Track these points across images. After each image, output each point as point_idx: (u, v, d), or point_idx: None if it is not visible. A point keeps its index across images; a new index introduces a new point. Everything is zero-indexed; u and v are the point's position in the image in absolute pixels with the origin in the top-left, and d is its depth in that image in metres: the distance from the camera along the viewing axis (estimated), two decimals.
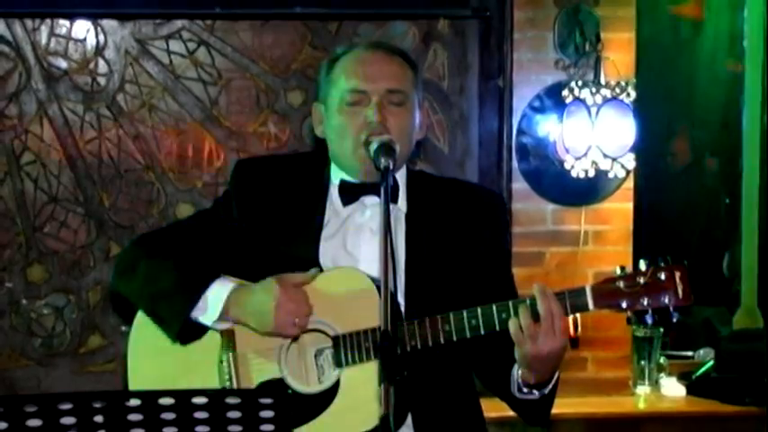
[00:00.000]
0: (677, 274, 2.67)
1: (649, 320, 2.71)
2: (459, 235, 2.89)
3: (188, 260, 2.88)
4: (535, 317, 2.62)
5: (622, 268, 2.70)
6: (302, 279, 2.78)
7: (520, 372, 2.73)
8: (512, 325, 2.63)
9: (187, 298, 2.80)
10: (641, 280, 2.67)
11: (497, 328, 2.69)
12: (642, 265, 2.68)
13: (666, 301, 2.66)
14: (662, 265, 2.67)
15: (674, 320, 2.68)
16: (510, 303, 2.69)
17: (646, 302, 2.67)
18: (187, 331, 2.83)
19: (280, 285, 2.75)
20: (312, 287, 2.80)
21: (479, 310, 2.70)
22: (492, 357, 2.84)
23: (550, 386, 2.76)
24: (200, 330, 2.83)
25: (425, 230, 2.88)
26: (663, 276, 2.66)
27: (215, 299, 2.79)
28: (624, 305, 2.68)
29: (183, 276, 2.84)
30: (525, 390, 2.76)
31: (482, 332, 2.70)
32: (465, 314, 2.70)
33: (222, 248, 2.94)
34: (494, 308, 2.69)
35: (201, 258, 2.90)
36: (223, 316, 2.80)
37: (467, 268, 2.88)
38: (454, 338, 2.71)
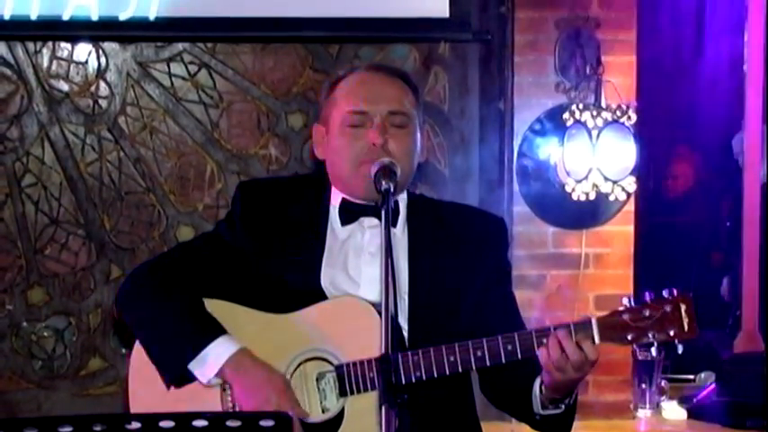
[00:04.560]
0: (683, 307, 2.65)
1: (654, 353, 2.70)
2: (462, 260, 2.88)
3: (193, 305, 2.85)
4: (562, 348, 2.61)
5: (629, 300, 2.68)
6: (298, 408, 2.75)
7: (544, 391, 2.72)
8: (542, 356, 2.63)
9: (188, 350, 2.78)
10: (647, 313, 2.65)
11: (503, 359, 2.68)
12: (647, 297, 2.66)
13: (672, 334, 2.65)
14: (667, 297, 2.66)
15: (680, 352, 2.66)
16: (516, 335, 2.68)
17: (651, 336, 2.65)
18: (181, 378, 2.81)
19: (285, 388, 2.74)
20: (314, 315, 2.79)
21: (485, 342, 2.68)
22: (507, 379, 2.83)
23: (573, 397, 2.75)
24: (193, 377, 2.81)
25: (428, 255, 2.87)
26: (668, 309, 2.65)
27: (216, 358, 2.77)
28: (630, 338, 2.66)
29: (187, 326, 2.81)
30: (551, 407, 2.74)
31: (487, 364, 2.68)
32: (470, 345, 2.69)
33: (225, 272, 2.92)
34: (499, 339, 2.68)
35: (208, 291, 2.88)
36: (218, 374, 2.79)
37: (469, 293, 2.86)
38: (459, 370, 2.70)
